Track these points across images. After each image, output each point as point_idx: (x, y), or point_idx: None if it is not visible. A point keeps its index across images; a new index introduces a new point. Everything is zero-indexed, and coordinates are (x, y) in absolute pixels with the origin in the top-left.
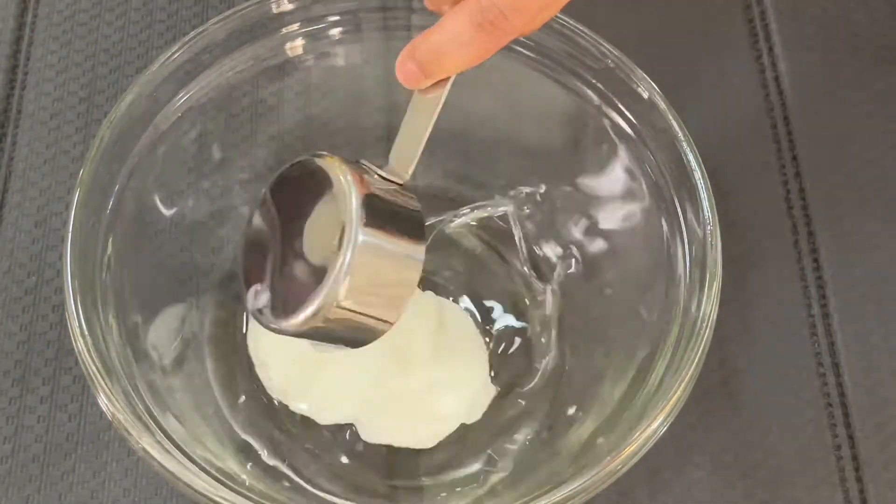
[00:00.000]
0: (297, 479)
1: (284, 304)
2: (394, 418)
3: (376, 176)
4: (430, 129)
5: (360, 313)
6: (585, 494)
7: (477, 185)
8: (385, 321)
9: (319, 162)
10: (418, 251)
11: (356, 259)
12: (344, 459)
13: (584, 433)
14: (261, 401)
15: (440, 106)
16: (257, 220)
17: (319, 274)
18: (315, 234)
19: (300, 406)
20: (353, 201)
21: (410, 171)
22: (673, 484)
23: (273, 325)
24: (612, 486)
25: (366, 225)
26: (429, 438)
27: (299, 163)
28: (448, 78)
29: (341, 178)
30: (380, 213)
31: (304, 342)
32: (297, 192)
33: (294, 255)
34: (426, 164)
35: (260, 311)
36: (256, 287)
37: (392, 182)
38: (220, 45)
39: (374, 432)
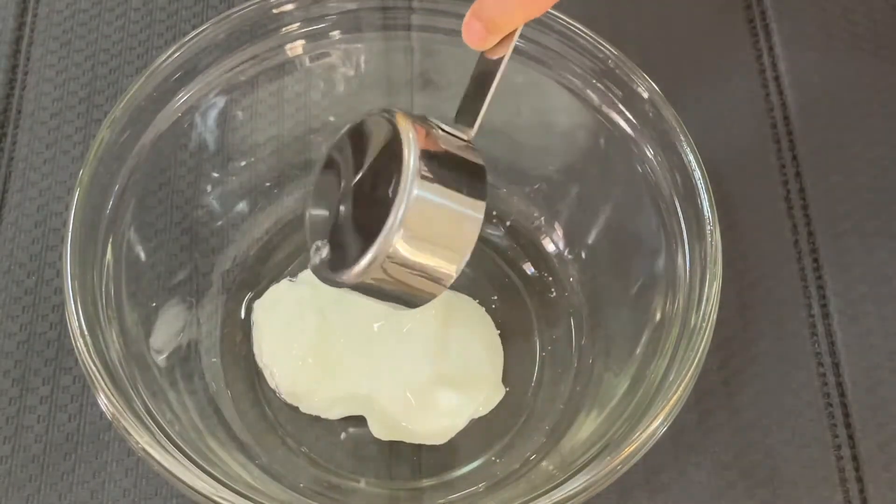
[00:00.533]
0: (296, 480)
1: (343, 257)
2: (404, 414)
3: (441, 131)
4: (495, 87)
5: (414, 270)
6: (585, 494)
7: None
8: (441, 281)
9: (384, 116)
10: (478, 208)
11: (410, 212)
12: (344, 462)
13: (585, 433)
14: (260, 401)
15: (505, 63)
16: (320, 179)
17: (377, 227)
18: (375, 187)
19: (309, 406)
20: (413, 154)
21: (476, 128)
22: (673, 484)
23: (330, 279)
24: (612, 486)
25: (423, 178)
26: (440, 434)
27: (363, 119)
28: (512, 37)
29: (402, 131)
30: (439, 168)
31: (307, 341)
32: (360, 147)
33: (354, 209)
34: None
35: (319, 265)
36: (318, 243)
37: (458, 138)
38: (220, 45)
39: (385, 429)
